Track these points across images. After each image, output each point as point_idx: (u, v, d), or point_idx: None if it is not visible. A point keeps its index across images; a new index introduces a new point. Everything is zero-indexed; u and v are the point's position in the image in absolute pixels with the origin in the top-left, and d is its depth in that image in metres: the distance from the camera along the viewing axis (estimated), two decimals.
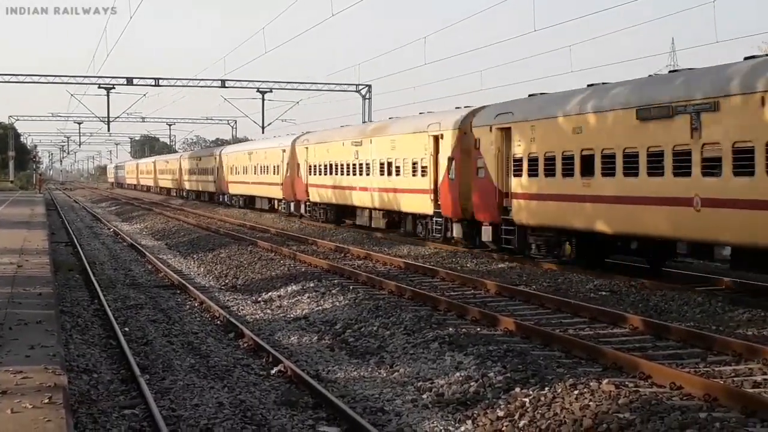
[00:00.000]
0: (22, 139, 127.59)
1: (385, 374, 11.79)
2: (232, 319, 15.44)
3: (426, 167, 28.07)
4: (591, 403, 9.20)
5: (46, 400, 8.09)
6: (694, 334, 12.56)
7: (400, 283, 18.37)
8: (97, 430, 8.96)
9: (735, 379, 10.34)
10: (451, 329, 13.48)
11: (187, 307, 17.72)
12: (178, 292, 19.90)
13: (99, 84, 62.36)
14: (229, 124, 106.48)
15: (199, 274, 23.69)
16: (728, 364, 11.13)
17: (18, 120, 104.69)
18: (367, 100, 65.92)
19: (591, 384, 9.85)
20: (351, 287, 18.37)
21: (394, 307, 15.74)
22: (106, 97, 63.37)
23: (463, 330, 13.48)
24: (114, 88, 62.94)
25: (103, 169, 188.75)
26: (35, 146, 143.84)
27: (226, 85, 64.85)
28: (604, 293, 17.41)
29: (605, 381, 9.91)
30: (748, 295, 16.43)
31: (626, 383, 9.99)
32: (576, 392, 9.61)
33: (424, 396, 10.57)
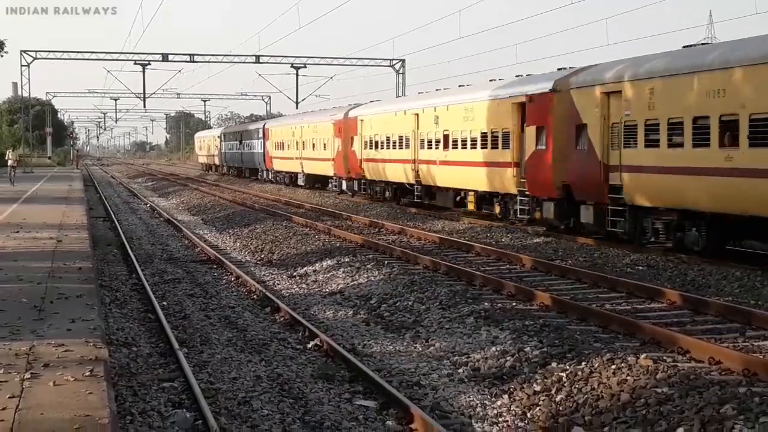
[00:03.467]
0: (59, 116, 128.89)
1: (420, 348, 11.81)
2: (268, 294, 15.54)
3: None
4: (629, 378, 9.16)
5: (88, 373, 8.20)
6: (733, 308, 12.45)
7: (434, 258, 18.36)
8: (137, 402, 9.08)
9: None
10: (486, 304, 13.46)
11: (224, 281, 17.85)
12: (215, 266, 20.05)
13: (135, 60, 62.72)
14: (263, 99, 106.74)
15: (234, 249, 23.85)
16: (767, 338, 11.01)
17: (55, 96, 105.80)
18: (400, 75, 65.69)
19: (629, 359, 9.80)
20: (386, 262, 18.40)
21: (429, 281, 15.75)
22: (141, 73, 63.74)
23: (499, 305, 13.46)
24: (150, 64, 63.25)
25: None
26: (72, 122, 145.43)
27: (261, 61, 64.94)
28: (641, 268, 17.29)
29: (643, 356, 9.86)
30: None
31: (664, 358, 9.92)
32: (613, 367, 9.57)
33: (460, 370, 10.58)
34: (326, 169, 44.40)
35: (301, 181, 50.51)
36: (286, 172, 53.61)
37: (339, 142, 41.64)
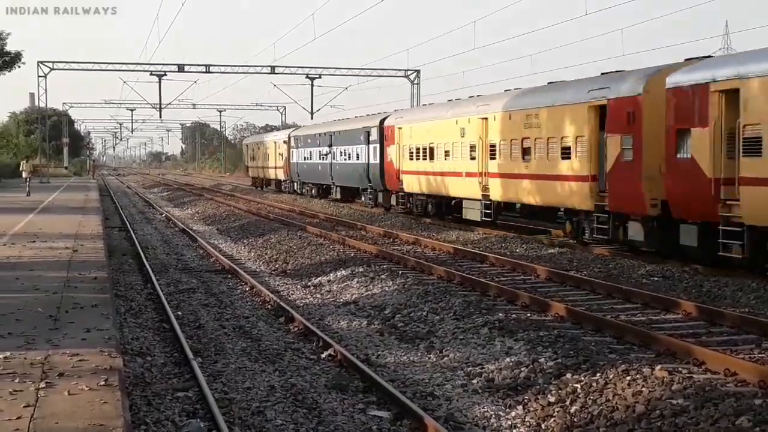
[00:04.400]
0: (75, 126, 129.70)
1: (434, 359, 11.80)
2: (282, 304, 15.56)
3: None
4: (644, 389, 9.12)
5: (102, 382, 8.23)
6: (749, 320, 12.37)
7: (449, 269, 18.34)
8: (152, 412, 9.10)
9: None
10: (500, 314, 13.44)
11: (238, 291, 17.89)
12: (229, 276, 20.10)
13: (151, 71, 63.14)
14: (278, 110, 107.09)
15: (249, 259, 23.89)
16: None
17: (72, 107, 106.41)
18: (415, 86, 65.80)
19: (644, 370, 9.76)
20: (400, 272, 18.40)
21: (443, 292, 15.73)
22: (158, 84, 64.11)
23: (513, 315, 13.43)
24: (165, 75, 63.70)
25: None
26: (88, 133, 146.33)
27: (276, 72, 65.26)
28: (656, 279, 17.22)
29: (658, 367, 9.81)
30: None
31: (679, 369, 9.88)
32: (628, 378, 9.53)
33: (474, 381, 10.55)
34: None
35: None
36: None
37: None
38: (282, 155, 56.50)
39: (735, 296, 15.01)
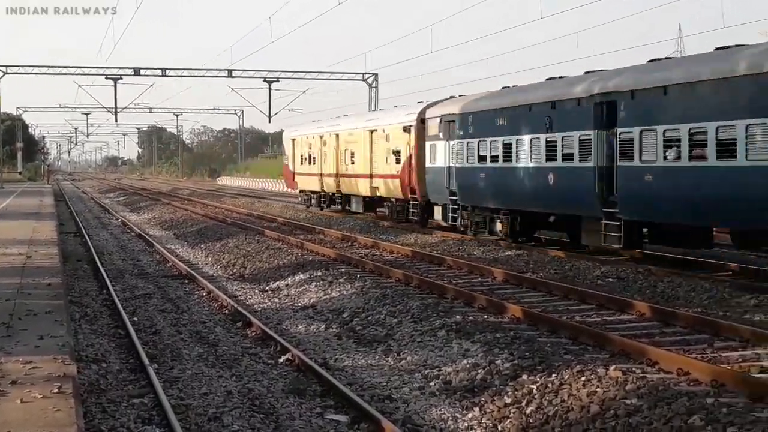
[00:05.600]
0: (30, 131, 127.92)
1: (392, 362, 11.82)
2: (239, 308, 15.49)
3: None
4: (598, 389, 9.22)
5: (56, 390, 8.14)
6: (701, 319, 12.56)
7: (407, 272, 18.39)
8: (107, 419, 9.01)
9: (742, 364, 10.34)
10: (458, 317, 13.50)
11: (195, 296, 17.78)
12: (186, 281, 19.96)
13: (106, 75, 62.50)
14: (236, 114, 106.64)
15: (206, 264, 23.75)
16: (735, 349, 11.12)
17: (26, 111, 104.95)
18: (373, 89, 65.87)
19: (598, 370, 9.86)
20: (358, 276, 18.40)
21: (402, 295, 15.77)
22: (113, 87, 63.49)
23: (471, 317, 13.50)
24: (121, 78, 63.09)
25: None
26: (43, 137, 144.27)
27: (233, 75, 64.90)
28: (611, 280, 17.41)
29: (612, 367, 9.92)
30: (755, 280, 16.38)
31: (633, 369, 10.00)
32: (583, 379, 9.63)
33: (432, 383, 10.60)
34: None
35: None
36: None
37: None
38: (397, 153, 31.60)
39: (688, 296, 15.22)
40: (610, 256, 19.95)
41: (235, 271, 21.83)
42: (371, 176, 34.19)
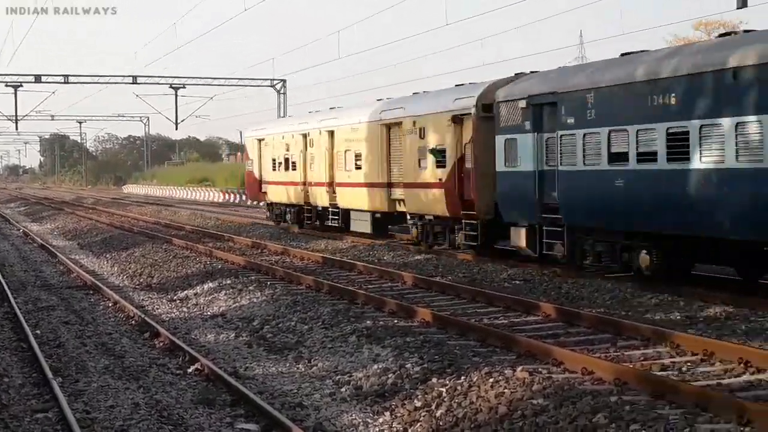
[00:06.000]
0: None
1: (303, 369, 11.80)
2: (147, 319, 15.24)
3: None
4: (506, 390, 9.37)
5: None
6: (604, 319, 12.89)
7: (317, 278, 18.37)
8: None
9: (644, 362, 10.65)
10: (368, 322, 13.55)
11: (101, 307, 17.41)
12: (91, 292, 19.52)
13: (6, 82, 60.71)
14: (141, 121, 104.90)
15: (112, 274, 23.29)
16: (637, 348, 11.44)
17: None
18: (282, 95, 65.62)
19: (505, 372, 10.02)
20: (268, 283, 18.30)
21: (312, 301, 15.76)
22: (13, 95, 61.73)
23: (381, 322, 13.57)
24: (22, 85, 61.37)
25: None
26: None
27: (138, 82, 63.81)
28: (517, 282, 17.72)
29: (519, 368, 10.10)
30: (657, 281, 16.86)
31: (540, 370, 10.19)
32: (491, 380, 9.77)
33: (343, 389, 10.61)
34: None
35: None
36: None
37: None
38: (439, 153, 22.86)
39: (592, 297, 15.59)
40: (516, 263, 20.25)
41: (142, 280, 21.46)
42: (389, 185, 25.38)
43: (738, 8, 23.89)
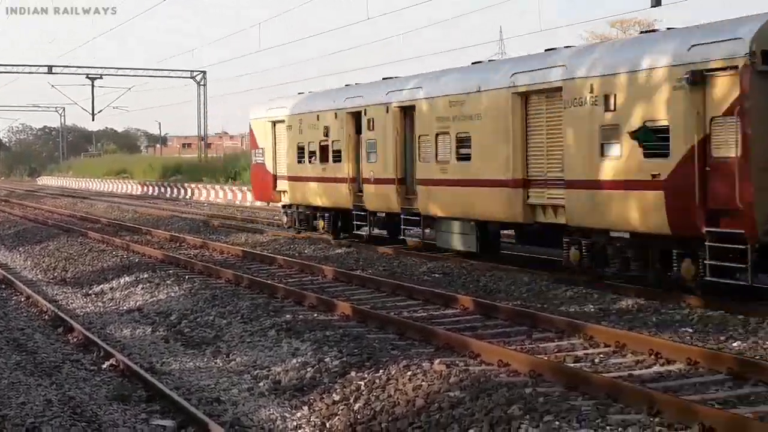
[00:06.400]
0: None
1: (221, 364, 11.70)
2: (60, 314, 14.92)
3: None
4: (423, 383, 9.45)
5: None
6: (521, 312, 13.09)
7: (237, 272, 18.23)
8: None
9: (558, 354, 10.84)
10: (288, 316, 13.51)
11: (13, 302, 16.97)
12: (3, 287, 19.01)
13: None
14: (57, 111, 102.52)
15: (25, 268, 22.73)
16: (552, 340, 11.64)
17: None
18: (202, 87, 64.86)
19: (423, 365, 10.10)
20: (186, 277, 18.08)
21: (231, 295, 15.63)
22: None
23: (301, 316, 13.54)
24: None
25: None
26: None
27: (53, 72, 62.35)
28: (437, 275, 17.86)
29: (437, 361, 10.19)
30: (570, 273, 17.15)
31: (457, 362, 10.30)
32: (409, 373, 9.83)
33: (261, 384, 10.57)
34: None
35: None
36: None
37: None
38: (655, 134, 14.50)
39: (509, 290, 15.81)
40: (436, 257, 20.38)
41: (56, 274, 20.99)
42: (526, 183, 17.37)
43: (652, 6, 24.42)
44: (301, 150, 25.50)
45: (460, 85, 19.10)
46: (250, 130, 28.88)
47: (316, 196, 24.88)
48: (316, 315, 13.75)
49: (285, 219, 27.32)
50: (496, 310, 13.41)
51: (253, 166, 28.95)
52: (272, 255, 21.32)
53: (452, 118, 19.08)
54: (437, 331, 11.83)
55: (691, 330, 11.93)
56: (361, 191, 22.78)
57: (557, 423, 7.96)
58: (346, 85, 24.97)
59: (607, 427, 7.81)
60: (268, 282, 16.74)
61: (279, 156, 27.06)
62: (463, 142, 18.91)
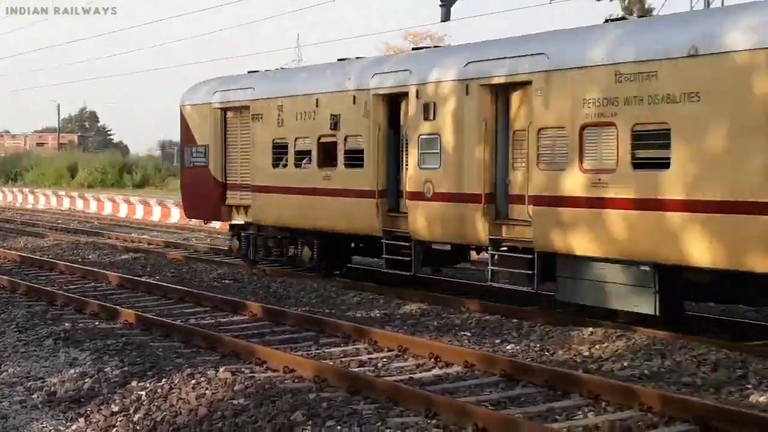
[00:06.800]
0: None
1: None
2: None
3: None
4: (207, 391, 9.31)
5: None
6: (309, 318, 13.17)
7: (13, 278, 17.30)
8: None
9: (343, 359, 10.98)
10: (67, 324, 12.98)
11: None
12: None
13: None
14: None
15: None
16: (338, 345, 11.79)
17: None
18: None
19: (208, 373, 9.96)
20: None
21: (6, 303, 14.88)
22: None
23: (81, 325, 13.04)
24: None
25: None
26: None
27: None
28: (227, 281, 17.69)
29: (222, 369, 10.08)
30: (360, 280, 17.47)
31: (243, 370, 10.22)
32: (193, 382, 9.66)
33: (34, 396, 10.07)
34: None
35: None
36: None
37: None
38: None
39: (298, 296, 15.88)
40: (224, 263, 20.17)
41: None
42: None
43: (441, 21, 25.42)
44: (280, 149, 18.36)
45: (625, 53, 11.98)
46: (183, 120, 20.92)
47: (305, 214, 17.60)
48: (97, 323, 13.27)
49: (234, 244, 19.97)
50: (285, 316, 13.44)
51: (187, 170, 21.14)
52: (53, 260, 20.38)
53: (595, 100, 12.19)
54: (224, 338, 11.70)
55: (469, 333, 12.44)
56: (397, 210, 16.14)
57: (339, 428, 8.08)
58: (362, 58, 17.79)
59: (387, 431, 8.00)
60: (47, 289, 16.00)
61: (232, 157, 19.81)
62: (638, 136, 11.95)
